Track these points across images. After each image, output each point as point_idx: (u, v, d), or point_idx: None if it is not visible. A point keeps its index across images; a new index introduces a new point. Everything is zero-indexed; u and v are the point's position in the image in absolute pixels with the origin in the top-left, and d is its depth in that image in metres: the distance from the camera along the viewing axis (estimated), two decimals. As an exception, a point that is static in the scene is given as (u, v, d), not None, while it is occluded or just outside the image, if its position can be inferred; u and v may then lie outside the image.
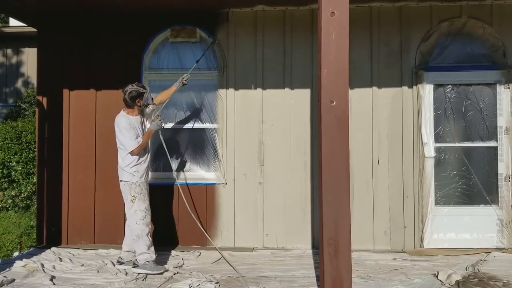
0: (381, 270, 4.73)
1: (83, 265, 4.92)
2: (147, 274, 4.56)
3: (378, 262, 5.05)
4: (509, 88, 5.60)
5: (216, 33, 5.81)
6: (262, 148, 5.76)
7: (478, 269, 4.66)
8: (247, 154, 5.77)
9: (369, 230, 5.64)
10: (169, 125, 5.84)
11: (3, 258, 6.27)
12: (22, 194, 8.42)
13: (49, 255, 5.24)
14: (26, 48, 11.84)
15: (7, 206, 8.48)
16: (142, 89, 4.74)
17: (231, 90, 5.80)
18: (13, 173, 8.51)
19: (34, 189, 8.13)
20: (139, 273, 4.56)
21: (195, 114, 5.86)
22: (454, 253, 5.38)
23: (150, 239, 4.70)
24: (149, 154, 4.86)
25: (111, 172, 5.79)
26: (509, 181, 5.58)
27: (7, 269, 4.67)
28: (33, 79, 11.34)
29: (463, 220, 5.62)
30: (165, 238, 5.65)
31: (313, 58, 5.68)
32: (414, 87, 5.66)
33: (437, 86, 5.69)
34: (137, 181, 4.68)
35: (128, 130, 4.64)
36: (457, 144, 5.67)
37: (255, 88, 5.80)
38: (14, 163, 8.47)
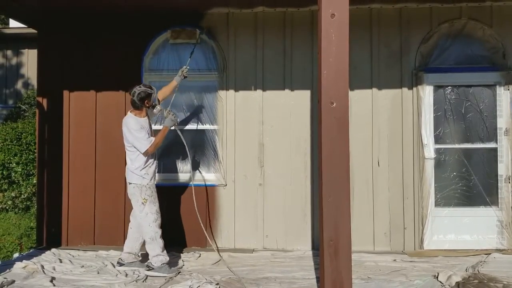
0: (381, 272, 4.73)
1: (83, 266, 4.91)
2: (164, 277, 4.54)
3: (378, 264, 5.05)
4: (509, 89, 5.61)
5: (214, 33, 5.82)
6: (262, 149, 5.76)
7: (478, 270, 4.66)
8: (247, 155, 5.77)
9: (369, 231, 5.64)
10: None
11: (3, 259, 6.26)
12: (22, 195, 8.41)
13: (49, 256, 5.24)
14: (26, 50, 11.85)
15: (7, 207, 8.47)
16: (149, 89, 4.72)
17: (231, 91, 5.81)
18: (13, 174, 8.50)
19: (34, 190, 8.12)
20: (155, 276, 4.54)
21: (195, 115, 5.86)
22: (454, 254, 5.38)
23: (162, 241, 4.70)
24: (156, 156, 4.85)
25: (111, 173, 5.82)
26: (509, 182, 5.58)
27: (7, 270, 4.66)
28: (33, 81, 11.35)
29: (463, 221, 5.63)
30: (164, 239, 5.63)
31: (313, 59, 5.69)
32: (414, 89, 5.67)
33: (437, 87, 5.69)
34: (147, 184, 4.65)
35: (139, 131, 4.61)
36: (457, 146, 5.68)
37: (255, 89, 5.80)
38: (14, 164, 8.46)
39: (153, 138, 4.67)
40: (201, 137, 5.88)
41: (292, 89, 5.77)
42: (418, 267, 4.90)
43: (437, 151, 5.66)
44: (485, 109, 5.68)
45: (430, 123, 5.65)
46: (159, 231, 4.66)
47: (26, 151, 8.59)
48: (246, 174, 5.77)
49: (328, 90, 3.59)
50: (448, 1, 5.49)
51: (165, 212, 5.69)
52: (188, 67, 5.27)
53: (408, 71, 5.69)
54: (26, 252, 5.83)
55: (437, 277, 4.39)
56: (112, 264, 4.94)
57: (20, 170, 8.44)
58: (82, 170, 5.87)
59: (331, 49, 3.58)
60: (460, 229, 5.62)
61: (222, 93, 5.82)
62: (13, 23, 11.54)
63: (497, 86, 5.64)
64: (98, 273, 4.69)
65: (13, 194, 8.42)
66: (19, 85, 11.98)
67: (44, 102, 5.96)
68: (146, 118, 4.76)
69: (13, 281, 4.31)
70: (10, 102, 11.84)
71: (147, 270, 4.61)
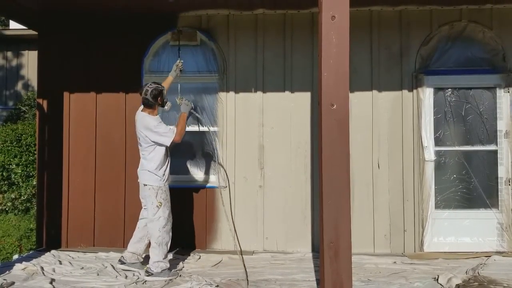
0: (381, 274, 4.73)
1: (83, 268, 4.91)
2: (164, 279, 4.54)
3: (378, 266, 5.04)
4: (509, 92, 5.61)
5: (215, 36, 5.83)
6: (262, 151, 5.76)
7: (478, 272, 4.65)
8: (247, 157, 5.77)
9: (369, 233, 5.63)
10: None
11: (3, 261, 6.26)
12: (22, 197, 8.41)
13: (48, 258, 5.23)
14: (27, 51, 11.88)
15: (7, 209, 8.48)
16: (160, 86, 4.73)
17: (231, 93, 5.81)
18: (13, 175, 8.51)
19: (34, 192, 8.12)
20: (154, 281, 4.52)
21: (195, 117, 5.86)
22: (454, 256, 5.38)
23: (168, 248, 4.69)
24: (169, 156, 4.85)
25: (111, 175, 5.82)
26: (509, 184, 5.58)
27: (7, 272, 4.65)
28: (33, 82, 11.36)
29: (463, 223, 5.62)
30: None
31: (313, 61, 5.69)
32: (414, 91, 5.67)
33: (437, 89, 5.70)
34: (163, 186, 4.65)
35: (159, 125, 4.61)
36: (457, 148, 5.68)
37: (255, 91, 5.80)
38: (14, 165, 8.47)
39: (174, 128, 4.68)
40: (201, 138, 5.88)
41: (292, 91, 5.78)
42: (418, 269, 4.90)
43: (437, 153, 5.67)
44: (485, 111, 5.68)
45: (430, 125, 5.65)
46: (167, 238, 4.64)
47: (26, 153, 8.59)
48: (246, 176, 5.76)
49: (329, 92, 3.60)
50: (448, 4, 5.50)
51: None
52: (182, 61, 5.27)
53: (408, 73, 5.69)
54: (26, 253, 5.83)
55: (437, 280, 4.39)
56: (112, 265, 4.93)
57: (20, 171, 8.44)
58: (82, 172, 5.86)
59: (331, 51, 3.59)
60: (460, 232, 5.62)
61: (222, 95, 5.82)
62: (13, 24, 11.55)
63: (497, 89, 5.65)
64: (98, 274, 4.68)
65: (12, 196, 8.42)
66: (19, 86, 11.99)
67: (44, 104, 5.96)
68: (158, 116, 4.77)
69: (13, 283, 4.30)
70: (10, 103, 11.85)
71: (147, 275, 4.57)
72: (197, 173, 5.89)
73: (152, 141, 4.61)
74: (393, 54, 5.71)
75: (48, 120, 5.95)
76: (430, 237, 5.60)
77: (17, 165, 8.47)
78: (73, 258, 5.34)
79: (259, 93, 5.79)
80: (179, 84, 5.37)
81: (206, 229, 5.77)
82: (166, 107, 4.88)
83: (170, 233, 4.70)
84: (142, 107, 4.79)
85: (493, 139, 5.66)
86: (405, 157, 5.65)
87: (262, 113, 5.78)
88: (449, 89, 5.70)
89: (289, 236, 5.72)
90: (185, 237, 5.69)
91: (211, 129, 5.84)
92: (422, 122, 5.63)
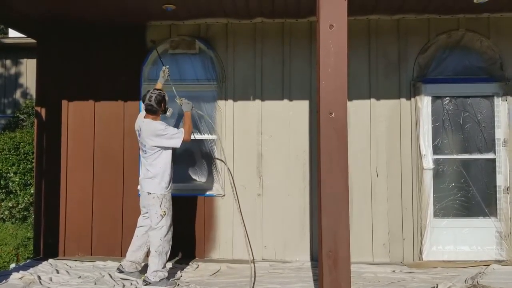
0: (380, 283, 4.71)
1: (80, 277, 4.88)
2: None
3: (377, 275, 5.02)
4: (506, 100, 5.63)
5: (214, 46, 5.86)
6: (260, 160, 5.76)
7: (477, 281, 4.63)
8: (246, 165, 5.76)
9: (368, 242, 5.62)
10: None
11: (0, 270, 6.22)
12: (20, 205, 8.37)
13: (46, 267, 5.21)
14: (25, 59, 11.88)
15: (4, 218, 8.43)
16: (162, 92, 4.78)
17: (230, 101, 5.82)
18: (10, 184, 8.47)
19: (31, 200, 8.09)
20: None
21: (194, 125, 5.85)
22: (453, 265, 5.36)
23: (167, 257, 4.67)
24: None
25: (110, 184, 5.81)
26: (508, 193, 5.58)
27: (4, 281, 4.62)
28: (32, 90, 11.37)
29: (462, 232, 5.61)
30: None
31: (311, 70, 5.71)
32: (412, 99, 5.68)
33: (435, 98, 5.71)
34: (167, 194, 4.65)
35: (167, 128, 4.64)
36: (455, 156, 5.68)
37: (254, 99, 5.81)
38: (12, 174, 8.43)
39: (182, 129, 4.71)
40: (199, 146, 5.87)
41: (291, 99, 5.79)
42: (417, 278, 4.88)
43: (436, 161, 5.67)
44: (483, 119, 5.70)
45: (429, 133, 5.66)
46: (167, 247, 4.63)
47: (24, 161, 8.57)
48: (245, 184, 5.75)
49: (327, 100, 3.60)
50: (445, 13, 5.53)
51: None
52: (168, 66, 5.29)
53: (406, 81, 5.71)
54: (23, 262, 5.80)
55: (437, 289, 4.38)
56: (110, 274, 4.90)
57: (18, 180, 8.41)
58: (80, 180, 5.85)
59: (329, 60, 3.60)
60: (459, 240, 5.61)
61: (221, 103, 5.83)
62: (12, 32, 11.57)
63: (495, 97, 5.66)
64: (95, 284, 4.65)
65: (10, 204, 8.38)
66: (17, 94, 11.99)
67: (43, 112, 5.95)
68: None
69: (9, 292, 4.28)
70: (9, 111, 11.84)
71: (145, 284, 4.54)
72: (196, 182, 5.87)
73: (162, 146, 4.60)
74: (391, 62, 5.73)
75: (46, 128, 5.95)
76: (429, 245, 5.58)
77: (15, 173, 8.44)
78: (70, 267, 5.31)
79: (258, 101, 5.80)
80: (173, 87, 5.35)
81: (204, 237, 5.75)
82: (168, 113, 4.90)
83: (170, 242, 4.68)
84: (143, 114, 4.79)
85: (491, 147, 5.66)
86: (403, 166, 5.65)
87: (261, 121, 5.79)
88: (447, 98, 5.71)
89: (288, 245, 5.70)
90: (184, 246, 5.67)
91: (210, 137, 5.84)
92: (420, 130, 5.64)
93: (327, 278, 3.58)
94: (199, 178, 5.89)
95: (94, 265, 5.38)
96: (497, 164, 5.63)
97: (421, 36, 5.70)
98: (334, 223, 3.59)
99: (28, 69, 11.77)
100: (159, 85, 5.19)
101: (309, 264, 5.49)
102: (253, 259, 5.45)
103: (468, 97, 5.70)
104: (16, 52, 11.77)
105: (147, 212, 4.72)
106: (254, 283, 4.64)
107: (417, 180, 5.62)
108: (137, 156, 5.72)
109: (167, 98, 4.81)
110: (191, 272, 5.16)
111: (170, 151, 4.69)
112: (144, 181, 4.69)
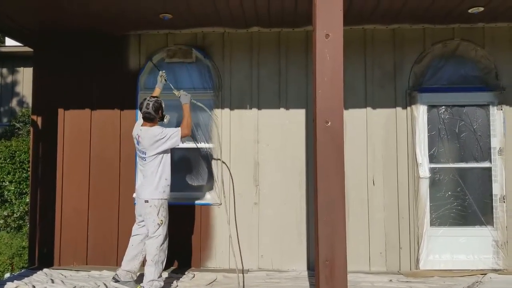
0: (377, 292, 4.69)
1: (75, 287, 4.84)
2: None
3: (374, 284, 5.00)
4: (502, 109, 5.65)
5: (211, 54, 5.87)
6: (257, 168, 5.75)
7: (474, 291, 4.63)
8: (242, 174, 5.76)
9: (365, 251, 5.60)
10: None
11: (-6, 279, 6.16)
12: (15, 214, 8.32)
13: (40, 277, 5.17)
14: (22, 68, 11.90)
15: (-1, 227, 8.39)
16: (160, 99, 4.79)
17: (227, 110, 5.82)
18: (5, 193, 8.42)
19: (26, 209, 8.05)
20: None
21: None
22: (450, 274, 5.35)
23: (163, 267, 4.64)
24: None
25: (105, 193, 5.79)
26: (504, 202, 5.59)
27: (-2, 291, 4.59)
28: (28, 99, 11.36)
29: (459, 241, 5.61)
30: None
31: (308, 79, 5.73)
32: (408, 108, 5.70)
33: (431, 107, 5.73)
34: (164, 202, 4.63)
35: (163, 131, 4.62)
36: (451, 165, 5.69)
37: (251, 108, 5.82)
38: (7, 182, 8.40)
39: (179, 128, 4.71)
40: (196, 155, 5.87)
41: (287, 108, 5.79)
42: (414, 287, 4.86)
43: (432, 170, 5.68)
44: (478, 128, 5.72)
45: (425, 142, 5.68)
46: (163, 256, 4.61)
47: (20, 170, 8.53)
48: (241, 193, 5.74)
49: (323, 109, 3.61)
50: (441, 22, 5.57)
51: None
52: (164, 71, 5.29)
53: (402, 90, 5.73)
54: (18, 272, 5.74)
55: (434, 298, 4.36)
56: (105, 284, 4.87)
57: (13, 188, 8.37)
58: (76, 189, 5.82)
59: (325, 69, 3.61)
60: (456, 249, 5.60)
61: (217, 112, 5.83)
62: (9, 41, 11.59)
63: (490, 106, 5.69)
64: (90, 293, 4.63)
65: (5, 213, 8.33)
66: (14, 103, 11.98)
67: (39, 120, 5.94)
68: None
69: (4, 302, 4.24)
70: (5, 120, 11.83)
71: None
72: (192, 190, 5.86)
73: (163, 150, 4.61)
74: (387, 71, 5.76)
75: (42, 137, 5.93)
76: (425, 254, 5.57)
77: (10, 182, 8.40)
78: (65, 276, 5.27)
79: (254, 110, 5.81)
80: (170, 84, 5.32)
81: (200, 246, 5.72)
82: (165, 120, 4.90)
83: (166, 252, 4.66)
84: (140, 122, 4.79)
85: (487, 156, 5.68)
86: (400, 174, 5.65)
87: (257, 130, 5.79)
88: (443, 107, 5.74)
89: (284, 254, 5.67)
90: (180, 255, 5.65)
91: (206, 145, 5.84)
92: (416, 139, 5.65)
93: (323, 288, 3.56)
94: (195, 187, 5.87)
95: (89, 275, 5.34)
96: (493, 173, 5.64)
97: (417, 45, 5.74)
98: (330, 232, 3.58)
99: (25, 78, 11.78)
100: (157, 90, 5.18)
101: (305, 273, 5.47)
102: (243, 269, 5.41)
103: (464, 106, 5.73)
104: (13, 60, 11.78)
105: (142, 221, 4.70)
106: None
107: (414, 188, 5.63)
108: (133, 165, 5.73)
109: (164, 105, 4.82)
110: (187, 282, 5.12)
111: (168, 157, 4.69)
112: (141, 188, 4.68)
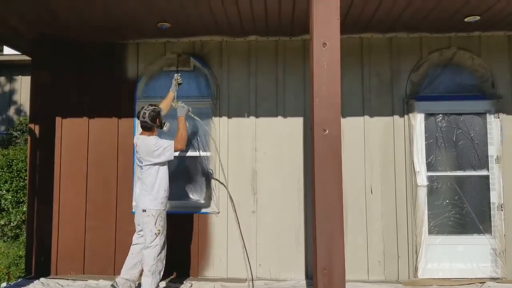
0: (375, 301, 4.67)
1: (72, 296, 4.81)
2: None
3: (372, 293, 4.99)
4: (499, 117, 5.67)
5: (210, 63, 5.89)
6: (255, 176, 5.75)
7: (473, 299, 4.61)
8: (240, 182, 5.75)
9: (363, 259, 5.59)
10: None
11: (-10, 289, 6.12)
12: (12, 223, 8.28)
13: (37, 286, 5.14)
14: (20, 76, 11.89)
15: (-4, 236, 8.34)
16: (157, 107, 4.75)
17: (224, 118, 5.83)
18: (2, 201, 8.38)
19: (24, 218, 8.00)
20: None
21: (188, 141, 5.85)
22: (449, 283, 5.34)
23: (161, 277, 4.62)
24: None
25: (103, 202, 5.77)
26: (502, 210, 5.59)
27: (-6, 300, 4.56)
28: (26, 107, 11.35)
29: (457, 249, 5.60)
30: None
31: (305, 87, 5.74)
32: (406, 116, 5.72)
33: (428, 115, 5.75)
34: (162, 211, 4.62)
35: (157, 143, 4.58)
36: (449, 173, 5.70)
37: (248, 116, 5.82)
38: (4, 191, 8.36)
39: (172, 141, 4.66)
40: (194, 163, 5.86)
41: (285, 116, 5.80)
42: (413, 296, 4.85)
43: (430, 178, 5.68)
44: (476, 136, 5.73)
45: (422, 150, 5.68)
46: (160, 266, 4.59)
47: (17, 178, 8.50)
48: (239, 201, 5.73)
49: (321, 117, 3.62)
50: (437, 31, 5.60)
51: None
52: (180, 74, 5.28)
53: (399, 99, 5.75)
54: (14, 281, 5.70)
55: (432, 307, 4.35)
56: (102, 294, 4.85)
57: (10, 197, 8.33)
58: (73, 198, 5.80)
59: (323, 77, 3.62)
60: (454, 257, 5.59)
61: (215, 120, 5.83)
62: (7, 50, 11.59)
63: (487, 114, 5.71)
64: (87, 303, 4.60)
65: (2, 222, 8.28)
66: (11, 111, 11.96)
67: (36, 129, 5.93)
68: (156, 135, 4.76)
69: (-1, 312, 4.21)
70: (2, 128, 11.80)
71: None
72: (190, 199, 5.84)
73: (157, 163, 4.59)
74: (384, 80, 5.78)
75: (40, 146, 5.92)
76: (424, 263, 5.56)
77: (8, 190, 8.37)
78: (62, 286, 5.24)
79: (252, 118, 5.81)
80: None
81: (198, 255, 5.69)
82: (164, 128, 4.87)
83: (164, 261, 4.64)
84: (139, 131, 4.79)
85: (484, 164, 5.69)
86: (397, 183, 5.65)
87: (255, 138, 5.79)
88: (440, 115, 5.75)
89: (282, 263, 5.65)
90: (178, 264, 5.61)
91: (204, 154, 5.83)
92: (414, 147, 5.66)
93: (322, 297, 3.54)
94: (193, 195, 5.86)
95: (86, 284, 5.31)
96: (490, 181, 5.65)
97: (414, 54, 5.77)
98: (328, 240, 3.57)
99: (23, 86, 11.77)
100: (171, 95, 5.18)
101: (304, 282, 5.44)
102: (252, 278, 5.39)
103: (461, 114, 5.75)
104: (11, 69, 11.78)
105: (141, 230, 4.69)
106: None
107: (412, 197, 5.62)
108: (131, 174, 5.72)
109: (162, 113, 4.80)
110: (185, 291, 5.10)
111: (166, 167, 4.68)
112: (139, 197, 4.67)
